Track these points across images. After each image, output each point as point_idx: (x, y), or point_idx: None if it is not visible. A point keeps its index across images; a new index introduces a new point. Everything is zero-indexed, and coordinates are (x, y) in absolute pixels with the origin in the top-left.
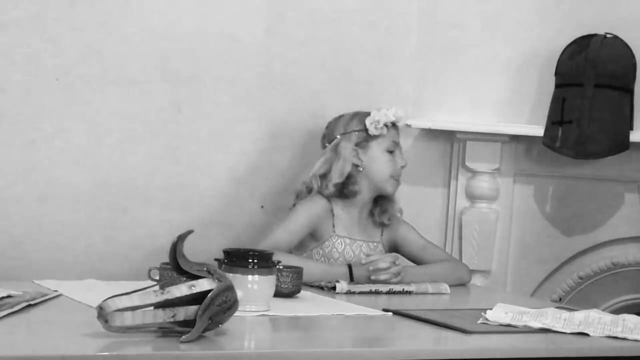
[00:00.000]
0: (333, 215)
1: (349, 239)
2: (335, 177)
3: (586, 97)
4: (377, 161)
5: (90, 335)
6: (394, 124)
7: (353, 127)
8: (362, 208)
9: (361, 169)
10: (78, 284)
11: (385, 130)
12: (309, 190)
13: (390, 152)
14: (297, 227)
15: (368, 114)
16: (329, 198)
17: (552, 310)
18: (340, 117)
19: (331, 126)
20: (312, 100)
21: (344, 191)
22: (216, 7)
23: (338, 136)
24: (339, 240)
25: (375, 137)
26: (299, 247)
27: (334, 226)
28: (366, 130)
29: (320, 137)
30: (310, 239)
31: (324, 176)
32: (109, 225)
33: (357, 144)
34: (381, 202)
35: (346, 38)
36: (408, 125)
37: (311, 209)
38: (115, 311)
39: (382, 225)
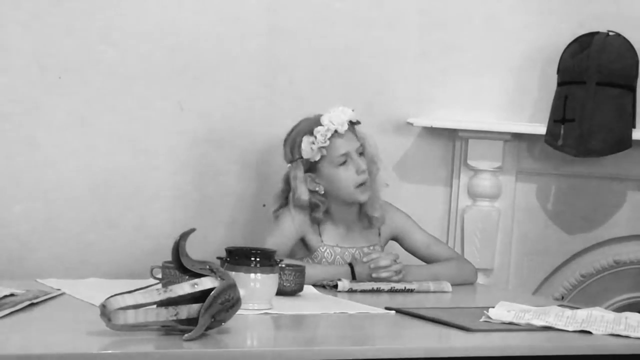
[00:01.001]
0: (319, 225)
1: (339, 248)
2: (296, 208)
3: (588, 95)
4: (333, 180)
5: (93, 334)
6: (336, 133)
7: (296, 156)
8: (348, 219)
9: (321, 192)
10: (81, 282)
11: (324, 151)
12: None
13: (344, 162)
14: (286, 235)
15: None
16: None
17: (554, 309)
18: (287, 137)
19: (284, 149)
20: (314, 99)
21: (312, 216)
22: (218, 6)
23: (289, 165)
24: (327, 250)
25: (320, 158)
26: (291, 257)
27: (320, 235)
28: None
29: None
30: (301, 248)
31: (281, 207)
32: (112, 223)
33: (307, 170)
34: (363, 209)
35: (349, 37)
36: (410, 124)
37: (292, 219)
38: (118, 309)
39: (376, 222)
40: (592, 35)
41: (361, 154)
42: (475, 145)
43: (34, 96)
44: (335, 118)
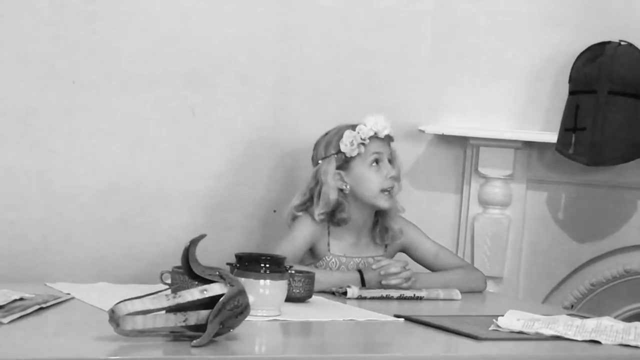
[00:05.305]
0: (329, 234)
1: (344, 257)
2: (322, 206)
3: (600, 104)
4: (362, 179)
5: (102, 339)
6: (375, 136)
7: (331, 151)
8: (360, 228)
9: (347, 191)
10: (90, 287)
11: (362, 148)
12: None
13: (376, 164)
14: (297, 245)
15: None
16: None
17: (564, 318)
18: (322, 138)
19: (315, 149)
20: (326, 104)
21: (333, 219)
22: (231, 10)
23: (320, 161)
24: (333, 259)
25: (355, 156)
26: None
27: (329, 244)
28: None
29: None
30: (308, 255)
31: (305, 204)
32: (122, 228)
33: (338, 167)
34: (381, 220)
35: (361, 43)
36: (421, 131)
37: (308, 227)
38: (127, 315)
39: (388, 238)
40: (603, 44)
41: (390, 162)
42: (486, 153)
43: (48, 101)
44: (379, 123)
